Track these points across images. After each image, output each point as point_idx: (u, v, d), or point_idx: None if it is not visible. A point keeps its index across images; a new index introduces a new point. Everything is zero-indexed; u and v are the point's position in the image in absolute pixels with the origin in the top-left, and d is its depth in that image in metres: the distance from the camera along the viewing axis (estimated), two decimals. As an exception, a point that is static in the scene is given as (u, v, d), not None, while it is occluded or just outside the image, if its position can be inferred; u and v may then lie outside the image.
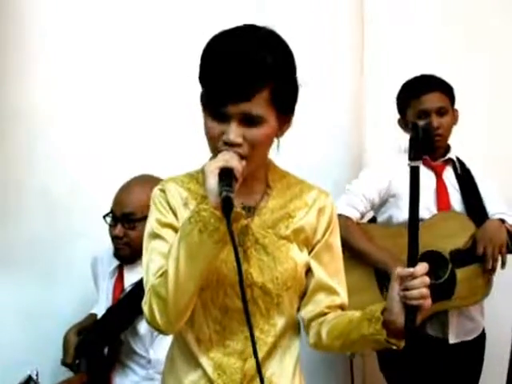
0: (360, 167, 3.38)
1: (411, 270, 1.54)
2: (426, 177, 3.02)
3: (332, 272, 1.76)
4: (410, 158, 1.55)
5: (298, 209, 1.73)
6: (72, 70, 3.18)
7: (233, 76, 1.55)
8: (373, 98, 3.55)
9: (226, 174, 1.53)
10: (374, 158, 3.49)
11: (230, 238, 1.49)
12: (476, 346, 3.09)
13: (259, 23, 1.65)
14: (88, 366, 2.70)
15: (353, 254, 2.91)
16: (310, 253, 1.74)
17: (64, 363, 2.73)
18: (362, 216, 3.08)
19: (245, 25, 1.64)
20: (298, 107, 3.37)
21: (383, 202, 3.07)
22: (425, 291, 1.52)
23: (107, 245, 2.78)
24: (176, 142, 3.23)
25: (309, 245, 1.74)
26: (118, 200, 2.68)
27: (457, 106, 3.09)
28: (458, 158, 3.12)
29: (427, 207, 2.99)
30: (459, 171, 3.09)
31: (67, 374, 2.79)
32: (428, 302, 1.53)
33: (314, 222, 1.73)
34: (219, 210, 1.52)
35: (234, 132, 1.57)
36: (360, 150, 3.51)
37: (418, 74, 3.10)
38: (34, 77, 3.15)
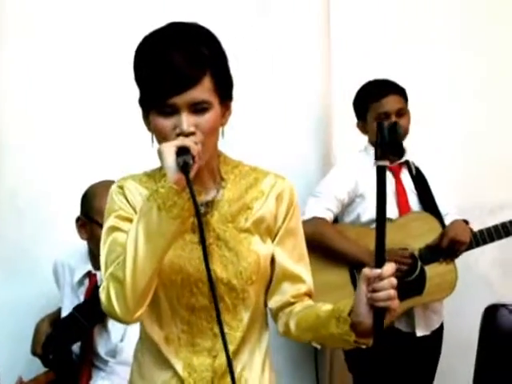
0: (329, 166, 3.41)
1: (379, 271, 1.51)
2: (387, 179, 3.07)
3: (296, 258, 1.74)
4: (377, 158, 1.53)
5: (255, 199, 1.71)
6: (43, 77, 3.15)
7: (175, 67, 1.57)
8: (340, 98, 3.57)
9: (183, 152, 1.53)
10: (341, 157, 3.51)
11: (192, 200, 1.49)
12: (436, 337, 3.19)
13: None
14: (55, 363, 2.67)
15: (329, 255, 2.98)
16: (273, 240, 1.72)
17: (34, 353, 2.71)
18: (336, 217, 3.14)
19: (172, 22, 1.67)
20: (268, 108, 3.39)
21: (350, 202, 3.12)
22: (392, 292, 1.50)
23: (72, 249, 2.80)
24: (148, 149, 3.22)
25: (271, 233, 1.72)
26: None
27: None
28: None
29: (388, 208, 3.05)
30: (414, 173, 3.16)
31: (31, 372, 2.79)
32: (395, 303, 1.51)
33: (273, 209, 1.71)
34: (178, 185, 1.53)
35: (187, 122, 1.58)
36: (328, 149, 3.51)
37: (380, 74, 3.17)
38: (4, 83, 3.14)
